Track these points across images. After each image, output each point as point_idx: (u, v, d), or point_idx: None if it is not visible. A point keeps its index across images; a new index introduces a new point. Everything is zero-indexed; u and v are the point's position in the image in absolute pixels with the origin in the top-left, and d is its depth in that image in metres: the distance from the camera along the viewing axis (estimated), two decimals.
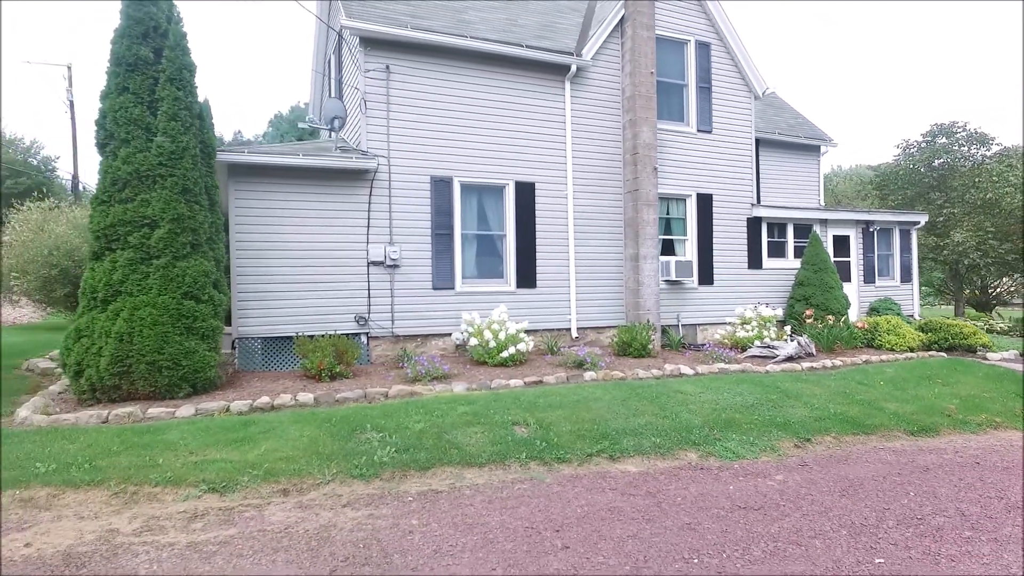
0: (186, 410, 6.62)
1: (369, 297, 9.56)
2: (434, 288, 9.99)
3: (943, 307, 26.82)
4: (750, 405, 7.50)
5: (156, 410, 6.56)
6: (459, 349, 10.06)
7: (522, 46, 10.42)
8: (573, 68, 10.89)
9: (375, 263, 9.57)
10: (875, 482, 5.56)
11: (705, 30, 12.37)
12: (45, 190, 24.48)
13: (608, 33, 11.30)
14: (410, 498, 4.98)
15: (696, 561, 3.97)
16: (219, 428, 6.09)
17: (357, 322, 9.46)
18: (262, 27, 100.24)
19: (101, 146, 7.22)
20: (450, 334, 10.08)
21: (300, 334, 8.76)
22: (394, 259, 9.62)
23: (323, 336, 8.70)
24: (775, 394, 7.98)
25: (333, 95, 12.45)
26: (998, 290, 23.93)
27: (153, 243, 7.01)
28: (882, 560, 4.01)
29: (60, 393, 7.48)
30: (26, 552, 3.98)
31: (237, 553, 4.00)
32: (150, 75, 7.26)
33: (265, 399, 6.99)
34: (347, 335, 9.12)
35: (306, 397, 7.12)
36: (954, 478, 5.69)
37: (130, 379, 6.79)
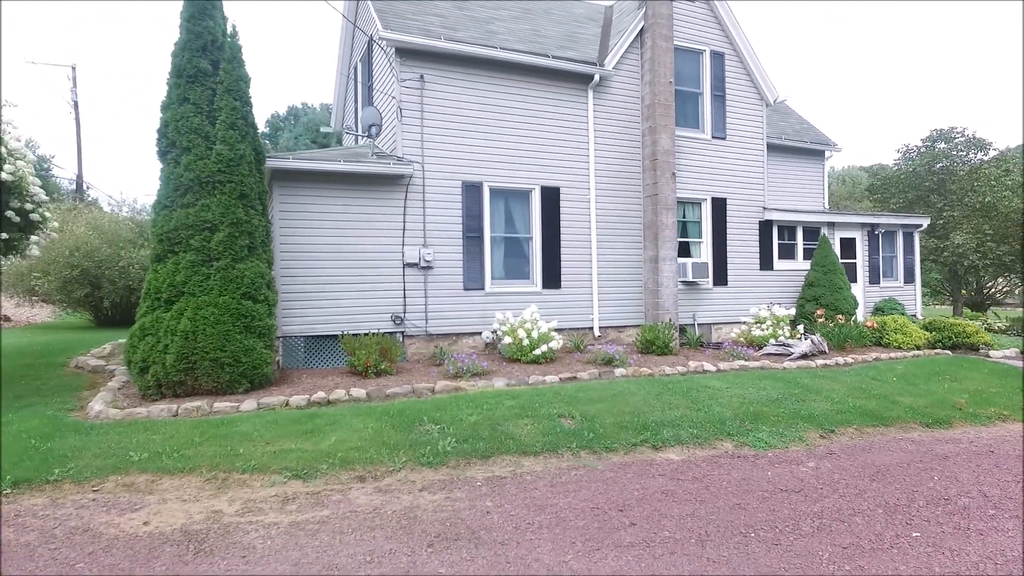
0: (249, 404, 7.01)
1: (404, 297, 9.97)
2: (465, 289, 10.41)
3: (939, 307, 27.47)
4: (775, 399, 7.97)
5: (221, 404, 6.95)
6: (488, 347, 10.47)
7: (548, 56, 10.85)
8: (596, 77, 11.34)
9: (410, 265, 9.98)
10: (900, 468, 6.02)
11: (719, 40, 12.85)
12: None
13: (628, 44, 11.74)
14: (478, 483, 5.41)
15: (753, 535, 4.41)
16: (286, 421, 6.49)
17: (393, 321, 9.87)
18: (256, 25, 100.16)
19: (163, 154, 7.60)
20: (480, 333, 10.50)
21: (345, 333, 9.17)
22: (428, 261, 10.03)
23: (367, 335, 9.10)
24: (797, 389, 8.46)
25: (361, 100, 12.85)
26: (992, 290, 24.61)
27: (213, 246, 7.40)
28: (918, 534, 4.47)
29: (120, 388, 7.84)
30: (147, 529, 4.37)
31: (338, 530, 4.41)
32: (209, 86, 7.65)
33: (321, 394, 7.39)
34: (384, 334, 9.51)
35: (359, 392, 7.52)
36: (972, 465, 6.17)
37: (194, 375, 7.17)
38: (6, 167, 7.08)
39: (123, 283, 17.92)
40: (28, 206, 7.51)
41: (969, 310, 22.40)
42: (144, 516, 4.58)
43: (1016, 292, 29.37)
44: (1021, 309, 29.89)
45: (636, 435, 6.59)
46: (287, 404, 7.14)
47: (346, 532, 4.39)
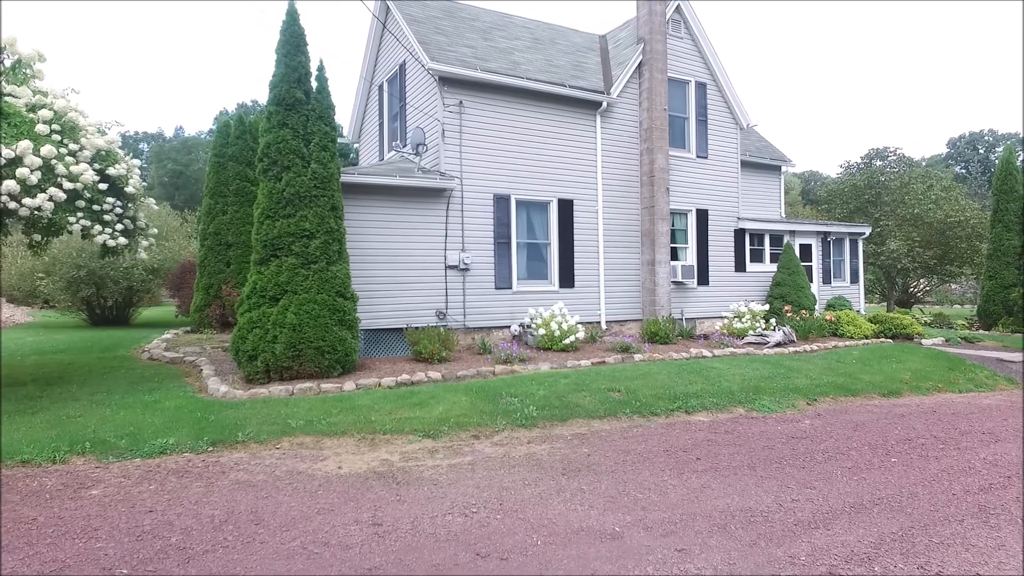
0: (349, 385, 8.33)
1: (446, 295, 11.39)
2: (496, 288, 11.92)
3: (873, 304, 30.71)
4: (767, 376, 9.85)
5: (327, 385, 8.25)
6: (515, 339, 12.00)
7: (565, 86, 12.48)
8: (604, 104, 13.06)
9: (451, 267, 11.41)
10: (871, 423, 7.95)
11: (703, 72, 14.81)
12: None
13: (629, 75, 13.51)
14: (568, 437, 6.98)
15: (785, 463, 6.16)
16: (393, 396, 7.88)
17: (437, 316, 11.27)
18: (206, 23, 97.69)
19: (265, 171, 8.79)
20: (509, 326, 12.03)
21: (409, 326, 10.54)
22: (466, 264, 11.48)
23: (418, 328, 10.49)
24: (781, 369, 10.38)
25: (388, 117, 14.13)
26: (916, 290, 27.87)
27: (311, 251, 8.67)
28: (895, 460, 6.32)
29: (215, 375, 8.96)
30: (343, 472, 5.73)
31: (487, 468, 5.89)
32: (303, 113, 8.90)
33: (404, 376, 8.77)
34: (431, 326, 10.90)
35: (435, 375, 8.94)
36: (922, 419, 8.17)
37: (300, 361, 8.43)
38: (119, 166, 7.84)
39: (126, 283, 18.46)
40: (135, 209, 8.48)
41: (898, 307, 25.42)
42: (333, 464, 5.93)
43: (934, 292, 33.12)
44: (938, 306, 33.71)
45: (670, 403, 8.31)
46: (379, 384, 8.49)
47: (494, 469, 5.88)
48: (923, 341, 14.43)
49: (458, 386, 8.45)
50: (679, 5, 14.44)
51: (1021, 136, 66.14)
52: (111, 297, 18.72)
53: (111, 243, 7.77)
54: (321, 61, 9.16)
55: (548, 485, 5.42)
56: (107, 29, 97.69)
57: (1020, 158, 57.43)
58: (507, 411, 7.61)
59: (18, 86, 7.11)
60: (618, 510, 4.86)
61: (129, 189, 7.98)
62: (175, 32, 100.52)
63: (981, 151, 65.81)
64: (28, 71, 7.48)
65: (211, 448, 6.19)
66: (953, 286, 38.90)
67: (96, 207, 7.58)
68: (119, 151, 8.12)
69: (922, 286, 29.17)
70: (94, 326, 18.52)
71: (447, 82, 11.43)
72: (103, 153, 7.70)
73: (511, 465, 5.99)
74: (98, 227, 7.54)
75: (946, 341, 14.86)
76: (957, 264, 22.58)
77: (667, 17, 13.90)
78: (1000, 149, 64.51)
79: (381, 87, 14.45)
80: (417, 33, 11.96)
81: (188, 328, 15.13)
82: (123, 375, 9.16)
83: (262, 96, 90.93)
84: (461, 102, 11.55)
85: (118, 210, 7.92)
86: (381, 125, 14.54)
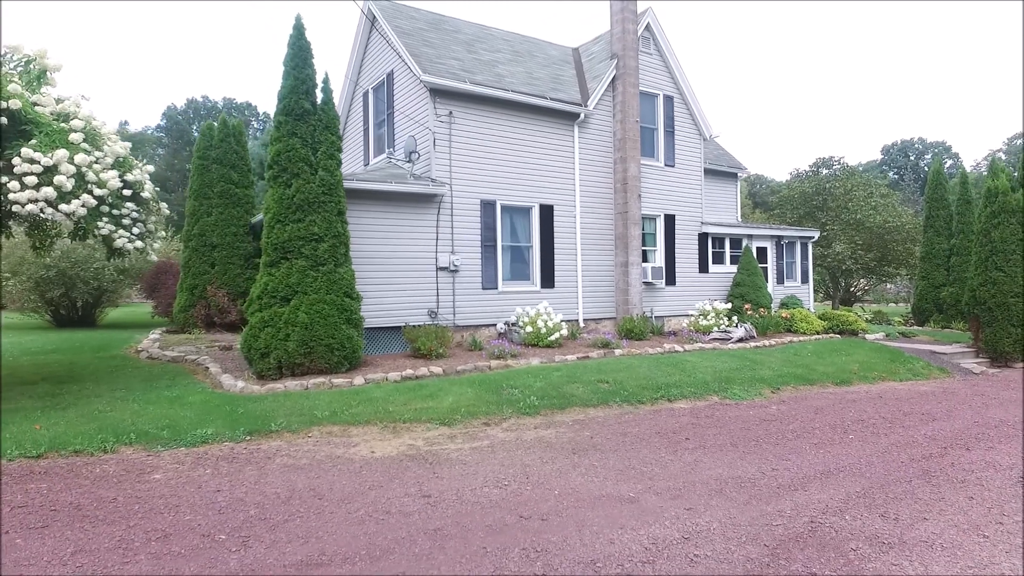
0: (359, 380, 8.88)
1: (437, 295, 12.01)
2: (483, 288, 12.60)
3: (819, 303, 32.73)
4: (735, 368, 10.87)
5: (338, 380, 8.78)
6: (501, 336, 12.71)
7: (546, 98, 13.26)
8: (582, 115, 13.90)
9: (442, 268, 12.03)
10: (829, 407, 9.02)
11: (670, 86, 15.84)
12: None
13: (604, 89, 14.40)
14: (569, 423, 7.75)
15: (761, 441, 7.08)
16: (403, 389, 8.48)
17: (429, 315, 11.88)
18: (150, 18, 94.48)
19: (275, 178, 9.24)
20: (495, 324, 12.73)
21: (405, 324, 11.10)
22: (456, 265, 12.13)
23: (413, 326, 11.08)
24: (747, 362, 11.43)
25: (374, 124, 14.61)
26: (856, 290, 29.91)
27: (320, 254, 9.17)
28: (853, 436, 7.34)
29: (224, 372, 9.36)
30: (376, 455, 6.34)
31: (504, 450, 6.60)
32: (311, 123, 9.39)
33: (409, 371, 9.38)
34: (423, 325, 11.49)
35: (436, 370, 9.58)
36: (872, 404, 9.30)
37: (311, 358, 8.93)
38: (136, 171, 8.23)
39: (96, 284, 18.31)
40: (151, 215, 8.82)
41: (842, 305, 27.31)
42: (366, 449, 6.53)
43: (872, 291, 35.51)
44: (875, 304, 36.14)
45: (654, 392, 9.19)
46: (386, 379, 9.08)
47: (511, 451, 6.59)
48: (867, 336, 15.85)
49: (460, 379, 9.11)
50: (649, 23, 15.43)
51: (947, 145, 70.82)
52: (80, 298, 18.52)
53: (129, 246, 8.11)
54: (327, 74, 9.66)
55: (563, 462, 6.17)
56: (46, 19, 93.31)
57: (947, 164, 61.62)
58: (511, 401, 8.32)
59: (31, 94, 7.38)
60: (629, 480, 5.65)
61: (145, 194, 8.32)
62: (118, 25, 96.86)
63: (912, 158, 70.10)
64: (44, 78, 7.74)
65: (249, 437, 6.70)
66: (889, 286, 41.66)
67: (116, 212, 7.91)
68: (132, 157, 8.46)
69: (862, 286, 31.30)
70: (59, 327, 18.29)
71: (438, 93, 12.04)
72: (120, 160, 8.04)
73: (526, 447, 6.71)
74: (120, 231, 7.87)
75: (886, 336, 16.33)
76: (894, 266, 24.47)
77: (638, 34, 14.84)
78: (928, 156, 69.02)
79: (366, 94, 14.91)
80: (408, 46, 12.52)
81: (168, 328, 15.24)
82: (132, 373, 9.44)
83: (214, 92, 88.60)
84: (451, 112, 12.19)
85: (134, 214, 8.26)
86: (366, 131, 14.99)
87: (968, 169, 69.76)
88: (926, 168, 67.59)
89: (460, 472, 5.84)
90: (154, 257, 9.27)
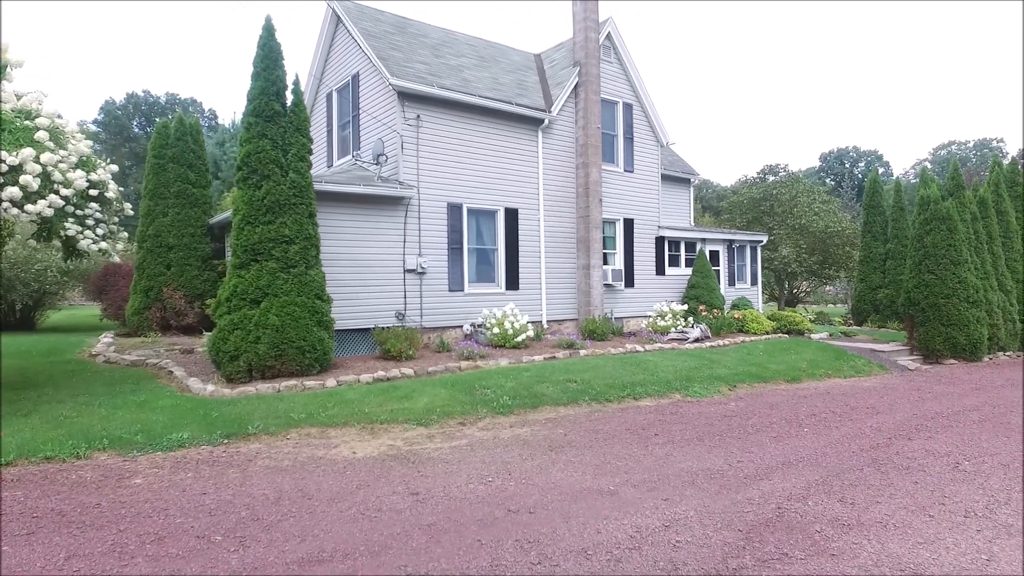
0: (331, 382, 8.90)
1: (405, 297, 12.07)
2: (450, 290, 12.73)
3: (765, 304, 34.11)
4: (694, 367, 11.35)
5: (310, 382, 8.77)
6: (467, 337, 12.86)
7: (512, 103, 13.50)
8: (546, 121, 14.20)
9: (409, 270, 12.10)
10: (783, 403, 9.56)
11: (629, 94, 16.34)
12: None
13: (567, 96, 14.74)
14: (542, 421, 7.99)
15: (724, 435, 7.49)
16: (377, 391, 8.55)
17: (397, 317, 11.93)
18: (86, 11, 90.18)
19: (244, 179, 9.15)
20: (461, 326, 12.87)
21: (376, 327, 11.11)
22: (423, 267, 12.22)
23: (382, 328, 11.12)
24: (704, 361, 11.94)
25: (338, 126, 14.53)
26: (799, 292, 31.36)
27: (291, 256, 9.13)
28: (807, 429, 7.84)
29: (191, 376, 9.19)
30: (358, 456, 6.42)
31: (483, 448, 6.78)
32: (281, 125, 9.34)
33: (380, 373, 9.43)
34: (391, 327, 11.54)
35: (408, 371, 9.67)
36: (821, 399, 9.90)
37: (282, 360, 8.88)
38: (100, 171, 8.02)
39: (37, 286, 17.55)
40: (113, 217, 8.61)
41: (787, 306, 28.57)
42: (347, 450, 6.60)
43: (813, 293, 37.28)
44: (816, 305, 37.93)
45: (621, 391, 9.53)
46: (358, 381, 9.11)
47: (490, 449, 6.78)
48: (812, 336, 16.72)
49: (432, 380, 9.23)
50: (610, 32, 15.87)
51: (879, 153, 74.79)
52: (20, 301, 17.70)
53: (93, 247, 7.91)
54: (297, 76, 9.63)
55: (542, 459, 6.40)
56: None
57: (879, 172, 65.01)
58: (484, 401, 8.51)
59: None
60: (606, 474, 5.92)
61: (109, 194, 8.13)
62: (48, 13, 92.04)
63: (847, 165, 73.72)
64: (3, 74, 7.49)
65: (227, 441, 6.66)
66: (828, 288, 43.72)
67: (79, 212, 7.72)
68: (95, 156, 8.25)
69: (804, 287, 32.82)
70: None
71: (407, 97, 12.11)
72: (84, 159, 7.84)
73: (504, 445, 6.91)
74: (86, 232, 7.68)
75: (830, 336, 17.27)
76: (835, 268, 25.80)
77: (600, 43, 15.25)
78: (863, 164, 72.69)
79: (331, 95, 14.80)
80: (376, 49, 12.54)
81: (120, 331, 14.75)
82: (92, 378, 9.17)
83: (156, 87, 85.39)
84: (419, 116, 12.27)
85: (98, 215, 8.06)
86: (330, 131, 14.89)
87: (898, 176, 73.91)
88: (860, 175, 71.26)
89: (444, 470, 5.99)
90: (116, 259, 9.05)
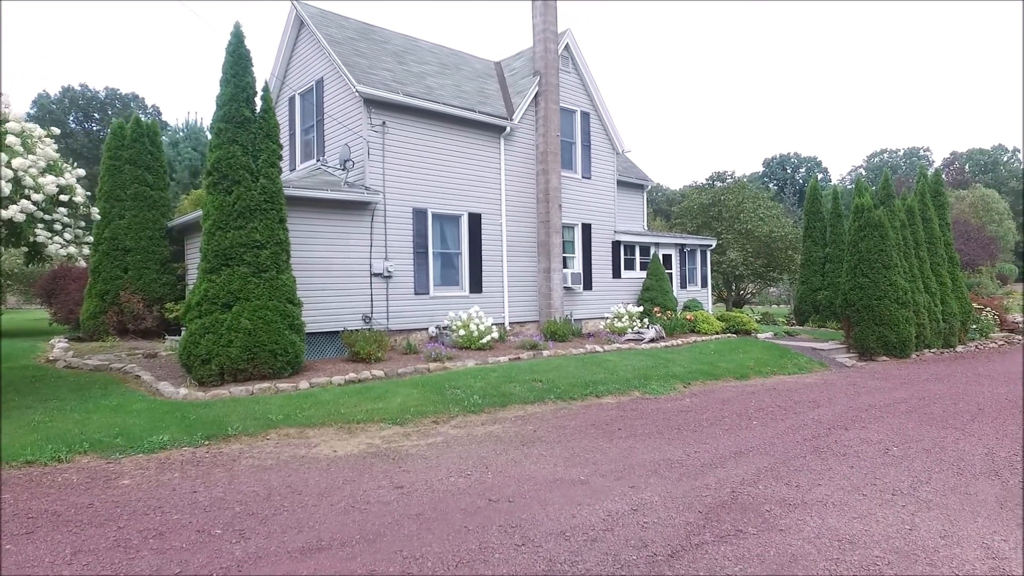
0: (304, 384, 9.07)
1: (371, 301, 12.28)
2: (416, 293, 13.00)
3: (714, 306, 35.44)
4: (651, 366, 11.97)
5: (283, 385, 8.93)
6: (433, 340, 13.14)
7: (475, 111, 13.87)
8: (508, 128, 14.63)
9: (376, 274, 12.31)
10: (733, 399, 10.25)
11: (587, 104, 16.94)
12: None
13: (528, 104, 15.21)
14: (512, 419, 8.40)
15: (682, 428, 8.06)
16: (351, 392, 8.78)
17: (363, 320, 12.12)
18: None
19: (214, 185, 9.21)
20: (427, 328, 13.15)
21: (344, 329, 11.28)
22: (389, 271, 12.45)
23: (349, 331, 11.31)
24: (660, 361, 12.59)
25: (300, 129, 14.58)
26: (745, 293, 32.80)
27: (262, 260, 9.26)
28: (756, 422, 8.50)
29: (160, 380, 9.20)
30: (339, 454, 6.68)
31: (459, 445, 7.13)
32: (252, 131, 9.45)
33: (352, 375, 9.65)
34: (359, 330, 11.73)
35: (378, 373, 9.91)
36: (768, 395, 10.64)
37: (254, 363, 9.00)
38: (67, 175, 8.00)
39: None
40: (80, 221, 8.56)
41: (734, 307, 29.85)
42: (328, 449, 6.85)
43: (758, 294, 39.03)
44: (760, 306, 39.67)
45: (583, 389, 10.03)
46: (331, 383, 9.31)
47: (465, 445, 7.14)
48: (759, 335, 17.69)
49: (403, 382, 9.52)
50: (568, 43, 16.43)
51: (818, 160, 78.36)
52: None
53: (62, 252, 7.89)
54: (267, 82, 9.76)
55: (515, 453, 6.81)
56: None
57: (818, 178, 68.10)
58: (455, 400, 8.85)
59: None
60: (576, 466, 6.37)
61: (78, 199, 8.11)
62: None
63: (789, 171, 77.03)
64: None
65: (208, 442, 6.81)
66: (772, 289, 45.71)
67: (47, 217, 7.69)
68: (62, 161, 8.21)
69: (750, 289, 34.34)
70: None
71: (372, 104, 12.33)
72: (51, 163, 7.82)
73: (477, 441, 7.29)
74: (55, 237, 7.66)
75: (775, 335, 18.29)
76: (778, 271, 27.15)
77: (559, 53, 15.79)
78: (803, 170, 76.05)
79: (293, 99, 14.84)
80: (340, 55, 12.70)
81: (72, 336, 14.40)
82: (56, 383, 9.07)
83: (94, 82, 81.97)
84: (384, 123, 12.51)
85: (65, 219, 8.03)
86: (292, 136, 14.91)
87: (835, 182, 77.65)
88: (801, 181, 74.58)
89: (423, 465, 6.32)
90: (83, 263, 8.98)
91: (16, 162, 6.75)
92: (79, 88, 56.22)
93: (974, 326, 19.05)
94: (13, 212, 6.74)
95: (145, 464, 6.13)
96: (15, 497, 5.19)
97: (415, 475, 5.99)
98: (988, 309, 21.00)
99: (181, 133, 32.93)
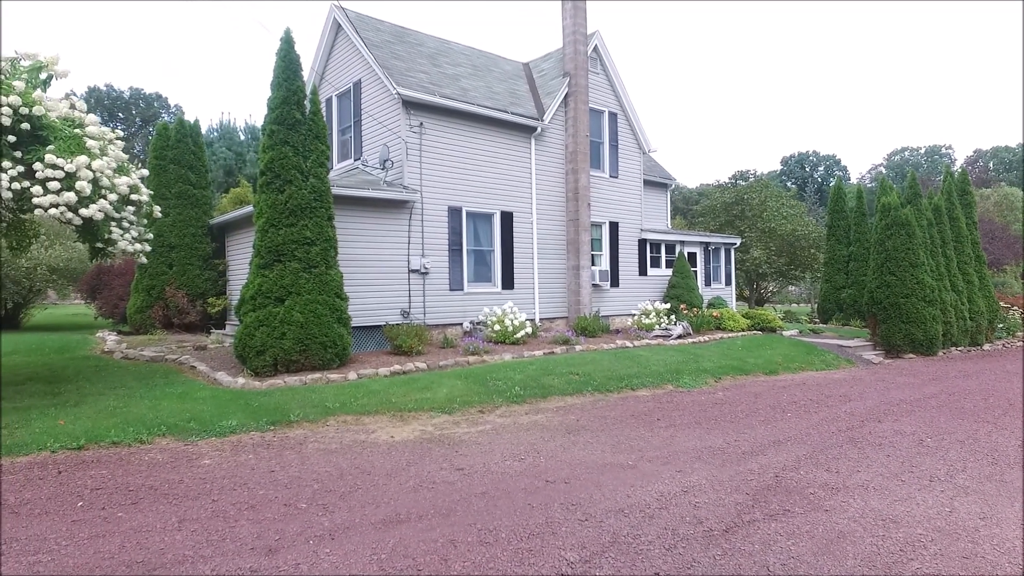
0: (352, 375, 9.48)
1: (409, 296, 12.68)
2: (450, 289, 13.38)
3: (736, 303, 35.52)
4: (681, 361, 12.25)
5: (333, 376, 9.35)
6: (467, 334, 13.52)
7: (507, 112, 14.22)
8: (539, 128, 14.96)
9: (413, 271, 12.71)
10: (765, 392, 10.50)
11: (614, 104, 17.22)
12: None
13: (558, 105, 15.52)
14: (554, 409, 8.74)
15: (719, 419, 8.35)
16: (399, 383, 9.17)
17: (402, 315, 12.52)
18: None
19: (267, 184, 9.65)
20: (460, 323, 13.53)
21: (386, 324, 11.69)
22: (427, 268, 12.85)
23: (390, 326, 11.72)
24: (690, 356, 12.86)
25: (338, 130, 15.03)
26: (766, 292, 32.86)
27: (312, 256, 9.69)
28: (790, 414, 8.77)
29: (216, 370, 9.67)
30: (397, 440, 7.07)
31: (507, 432, 7.49)
32: (302, 132, 9.88)
33: (396, 367, 10.05)
34: (399, 324, 12.13)
35: (421, 365, 10.30)
36: (798, 389, 10.88)
37: (306, 355, 9.43)
38: (133, 175, 8.45)
39: (28, 284, 17.58)
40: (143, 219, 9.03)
41: (757, 305, 29.94)
42: (385, 435, 7.24)
43: (779, 293, 39.04)
44: (781, 305, 39.65)
45: (619, 382, 10.35)
46: (377, 374, 9.72)
47: (513, 432, 7.49)
48: (784, 333, 17.86)
49: (446, 373, 9.90)
50: (596, 45, 16.72)
51: (837, 158, 77.68)
52: (10, 299, 17.67)
53: (130, 249, 8.35)
54: (315, 85, 10.18)
55: (562, 440, 7.15)
56: None
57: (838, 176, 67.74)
58: (498, 391, 9.21)
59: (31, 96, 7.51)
60: (622, 452, 6.70)
61: (144, 198, 8.57)
62: None
63: (807, 169, 76.51)
64: (49, 83, 7.89)
65: (273, 427, 7.23)
66: (792, 288, 45.66)
67: (117, 215, 8.15)
68: (128, 162, 8.67)
69: (771, 288, 34.38)
70: None
71: (410, 105, 12.72)
72: (120, 164, 8.27)
73: (524, 429, 7.64)
74: (125, 235, 8.12)
75: (800, 333, 18.45)
76: (801, 269, 27.21)
77: (588, 55, 16.08)
78: (822, 168, 75.47)
79: (330, 99, 15.28)
80: (378, 58, 13.11)
81: (119, 329, 14.98)
82: (120, 373, 9.57)
83: (119, 81, 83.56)
84: (422, 123, 12.90)
85: (131, 217, 8.50)
86: (330, 136, 15.34)
87: (854, 180, 76.93)
88: (820, 179, 74.08)
89: (478, 450, 6.68)
90: (143, 259, 9.45)
91: (96, 164, 7.20)
92: (104, 88, 57.41)
93: (1001, 325, 19.07)
94: (93, 211, 7.19)
95: (220, 446, 6.55)
96: (111, 473, 5.63)
97: (472, 459, 6.35)
98: (1015, 308, 20.97)
99: (215, 133, 33.65)
